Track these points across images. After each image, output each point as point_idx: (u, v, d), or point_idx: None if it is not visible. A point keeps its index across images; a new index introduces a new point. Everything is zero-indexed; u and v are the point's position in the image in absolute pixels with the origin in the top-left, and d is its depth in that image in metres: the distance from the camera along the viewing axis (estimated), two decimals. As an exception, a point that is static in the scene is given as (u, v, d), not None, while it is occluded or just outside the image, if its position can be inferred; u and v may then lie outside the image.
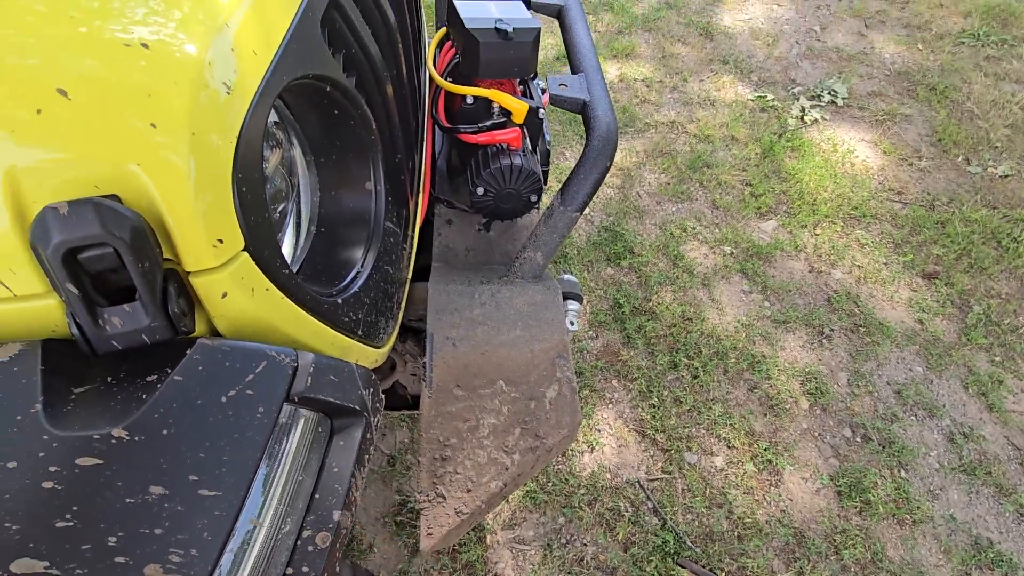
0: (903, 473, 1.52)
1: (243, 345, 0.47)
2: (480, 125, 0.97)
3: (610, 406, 1.64)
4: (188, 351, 0.44)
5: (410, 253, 0.94)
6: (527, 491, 1.47)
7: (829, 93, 2.73)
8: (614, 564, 1.37)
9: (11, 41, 0.38)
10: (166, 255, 0.43)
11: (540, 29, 0.98)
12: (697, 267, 1.99)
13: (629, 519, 1.44)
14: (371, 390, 0.57)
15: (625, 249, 2.02)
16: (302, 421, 0.51)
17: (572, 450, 1.55)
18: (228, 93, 0.45)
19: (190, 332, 0.46)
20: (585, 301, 1.87)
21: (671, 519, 1.43)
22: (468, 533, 1.41)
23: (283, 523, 0.47)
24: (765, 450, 1.55)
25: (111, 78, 0.39)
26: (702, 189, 2.27)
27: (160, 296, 0.43)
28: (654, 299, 1.88)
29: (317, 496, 0.50)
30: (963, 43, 3.03)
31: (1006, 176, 2.30)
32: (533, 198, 1.01)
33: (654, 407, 1.63)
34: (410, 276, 0.94)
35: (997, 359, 1.75)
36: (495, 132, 0.97)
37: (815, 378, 1.70)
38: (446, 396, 0.76)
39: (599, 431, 1.59)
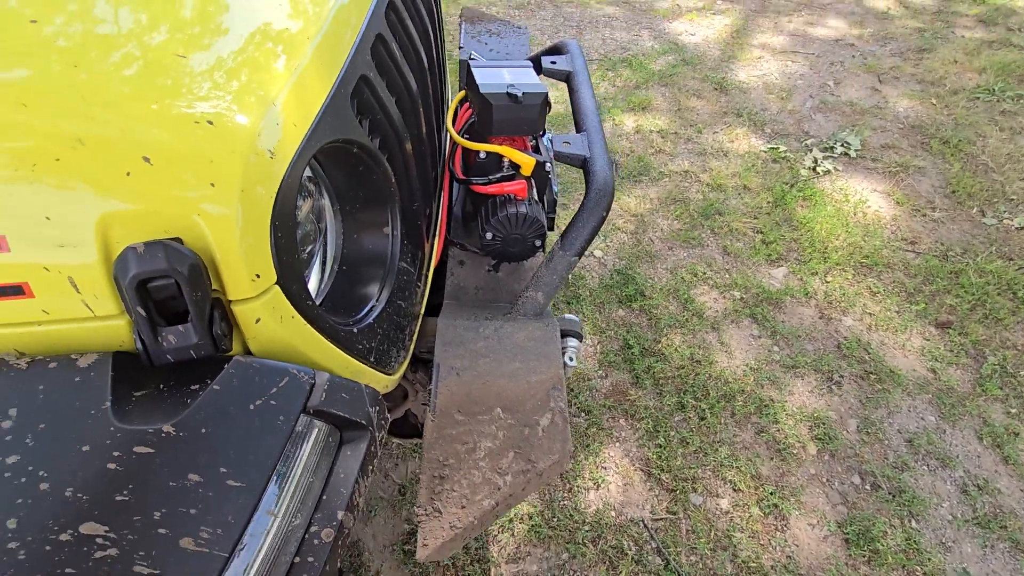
0: (914, 523, 1.50)
1: (270, 363, 0.57)
2: (490, 177, 1.08)
3: (617, 444, 1.68)
4: (226, 366, 0.54)
5: (423, 290, 1.04)
6: (532, 525, 1.51)
7: (842, 145, 2.81)
8: (616, 603, 1.38)
9: (109, 119, 0.50)
10: (213, 286, 0.53)
11: (547, 93, 1.10)
12: (707, 311, 2.04)
13: (632, 558, 1.45)
14: (377, 408, 0.65)
15: (636, 292, 2.09)
16: (316, 431, 0.59)
17: (578, 487, 1.59)
18: (272, 157, 0.56)
19: (228, 351, 0.55)
20: (587, 340, 1.93)
21: (675, 560, 1.44)
22: (474, 565, 1.45)
23: (294, 517, 0.55)
24: (771, 494, 1.56)
25: (183, 148, 0.50)
26: (713, 236, 2.34)
27: (207, 320, 0.52)
28: (663, 341, 1.94)
29: (325, 497, 0.58)
30: (978, 98, 3.09)
31: (1022, 228, 2.31)
32: (537, 243, 1.10)
33: (660, 447, 1.66)
34: (423, 311, 1.03)
35: (1013, 411, 1.73)
36: (504, 183, 1.07)
37: (824, 424, 1.71)
38: (447, 420, 0.84)
39: (605, 469, 1.63)
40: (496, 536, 1.50)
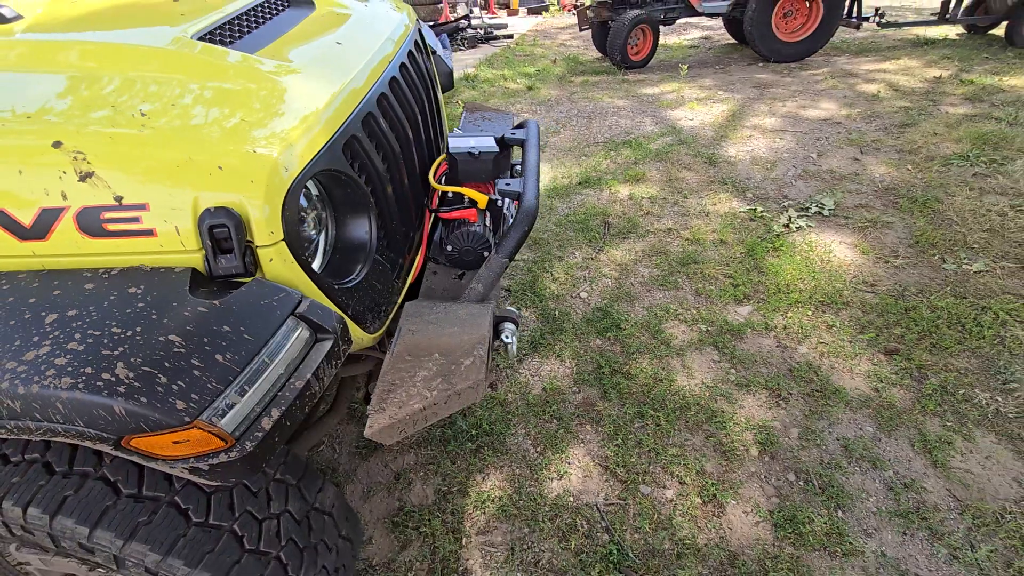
0: (840, 513, 1.66)
1: (275, 284, 0.98)
2: (451, 207, 1.52)
3: (581, 445, 1.95)
4: (250, 280, 0.96)
5: (401, 286, 1.45)
6: (500, 506, 1.78)
7: (817, 206, 3.12)
8: (564, 567, 1.61)
9: (205, 150, 0.96)
10: (247, 236, 0.97)
11: (497, 152, 1.56)
12: (674, 340, 2.33)
13: (583, 533, 1.69)
14: (341, 325, 1.04)
15: (613, 325, 2.41)
16: (299, 328, 0.99)
17: (543, 476, 1.86)
18: (285, 172, 1.01)
19: (253, 275, 0.97)
20: (565, 362, 2.25)
21: (619, 535, 1.67)
22: (448, 535, 1.72)
23: (281, 369, 0.93)
24: (712, 486, 1.77)
25: (239, 164, 0.95)
26: (688, 280, 2.66)
27: (243, 254, 0.95)
28: (632, 364, 2.23)
29: (300, 366, 0.96)
30: (952, 163, 3.35)
31: (980, 272, 2.50)
32: (485, 254, 1.50)
33: (618, 447, 1.92)
34: (400, 300, 1.44)
35: (949, 424, 1.88)
36: (459, 211, 1.51)
37: (768, 431, 1.92)
38: (400, 360, 1.21)
39: (568, 464, 1.89)
40: (470, 513, 1.78)
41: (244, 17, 1.36)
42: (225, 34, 1.26)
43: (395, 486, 1.88)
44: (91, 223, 0.89)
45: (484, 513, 1.77)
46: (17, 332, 0.80)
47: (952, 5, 5.84)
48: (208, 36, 1.22)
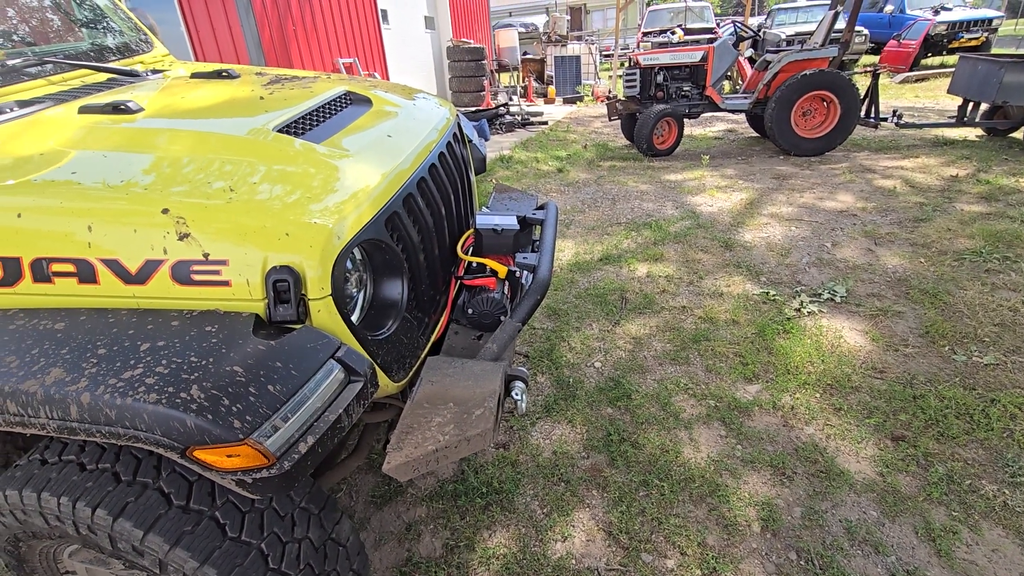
0: (840, 596, 1.67)
1: (321, 331, 1.17)
2: (474, 275, 1.72)
3: (587, 509, 2.01)
4: (300, 326, 1.15)
5: (426, 342, 1.62)
6: (505, 563, 1.84)
7: (829, 292, 3.22)
8: (562, 628, 1.64)
9: (277, 220, 1.18)
10: (302, 290, 1.17)
11: (518, 230, 1.78)
12: (683, 413, 2.41)
13: (582, 596, 1.73)
14: (371, 371, 1.22)
15: (624, 395, 2.51)
16: (336, 369, 1.16)
17: (548, 537, 1.92)
18: (338, 240, 1.22)
19: (303, 322, 1.17)
20: (576, 428, 2.34)
21: (617, 601, 1.70)
22: (453, 588, 1.78)
23: (317, 403, 1.09)
24: (713, 559, 1.80)
25: (300, 232, 1.17)
26: (699, 356, 2.76)
27: (297, 305, 1.15)
28: (640, 433, 2.31)
29: (334, 402, 1.12)
30: (964, 259, 3.45)
31: (990, 365, 2.54)
32: (502, 318, 1.68)
33: (623, 513, 1.97)
34: (424, 355, 1.61)
35: (955, 513, 1.89)
36: (481, 279, 1.70)
37: (771, 508, 1.95)
38: (419, 406, 1.36)
39: (573, 527, 1.95)
40: (475, 568, 1.84)
41: (314, 113, 1.65)
42: (298, 127, 1.54)
43: (405, 536, 1.96)
44: (182, 274, 1.11)
45: (488, 570, 1.83)
46: (118, 356, 0.99)
47: (970, 109, 6.10)
48: (284, 129, 1.49)
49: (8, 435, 1.51)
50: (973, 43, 12.17)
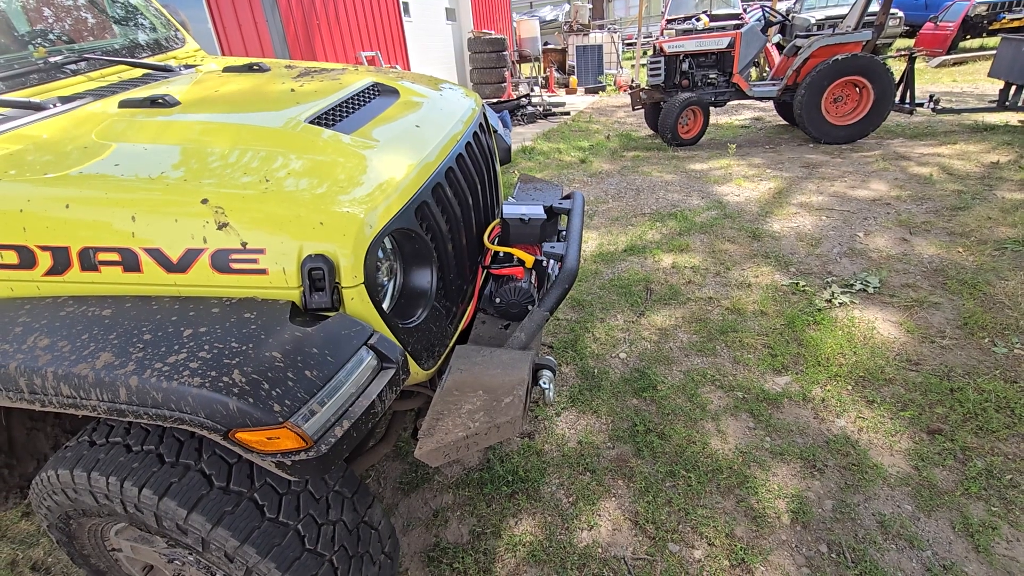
0: (873, 590, 1.64)
1: (354, 318, 1.19)
2: (501, 264, 1.72)
3: (613, 498, 2.01)
4: (335, 314, 1.17)
5: (454, 332, 1.64)
6: (531, 551, 1.86)
7: (861, 283, 3.15)
8: (589, 615, 1.65)
9: (311, 210, 1.21)
10: (336, 278, 1.19)
11: (545, 219, 1.77)
12: (710, 405, 2.39)
13: (609, 584, 1.73)
14: (402, 358, 1.23)
15: (649, 385, 2.50)
16: (370, 356, 1.18)
17: (574, 526, 1.93)
18: (370, 229, 1.24)
19: (336, 310, 1.19)
20: (601, 418, 2.34)
21: (644, 589, 1.70)
22: (479, 573, 1.81)
23: (351, 389, 1.11)
24: (742, 550, 1.79)
25: (334, 221, 1.19)
26: (727, 348, 2.73)
27: (331, 293, 1.17)
28: (666, 424, 2.30)
29: (367, 388, 1.15)
30: (1005, 248, 3.33)
31: (1033, 356, 2.45)
32: (529, 307, 1.68)
33: (649, 503, 1.97)
34: (452, 344, 1.62)
35: (995, 509, 1.84)
36: (508, 268, 1.71)
37: (801, 500, 1.93)
38: (448, 393, 1.38)
39: (599, 516, 1.96)
40: (501, 555, 1.86)
41: (344, 105, 1.67)
42: (328, 118, 1.56)
43: (433, 523, 1.99)
44: (221, 262, 1.14)
45: (515, 556, 1.85)
46: (163, 341, 1.03)
47: (1012, 93, 5.86)
48: (315, 120, 1.51)
49: (57, 418, 1.58)
50: (1016, 23, 11.66)
